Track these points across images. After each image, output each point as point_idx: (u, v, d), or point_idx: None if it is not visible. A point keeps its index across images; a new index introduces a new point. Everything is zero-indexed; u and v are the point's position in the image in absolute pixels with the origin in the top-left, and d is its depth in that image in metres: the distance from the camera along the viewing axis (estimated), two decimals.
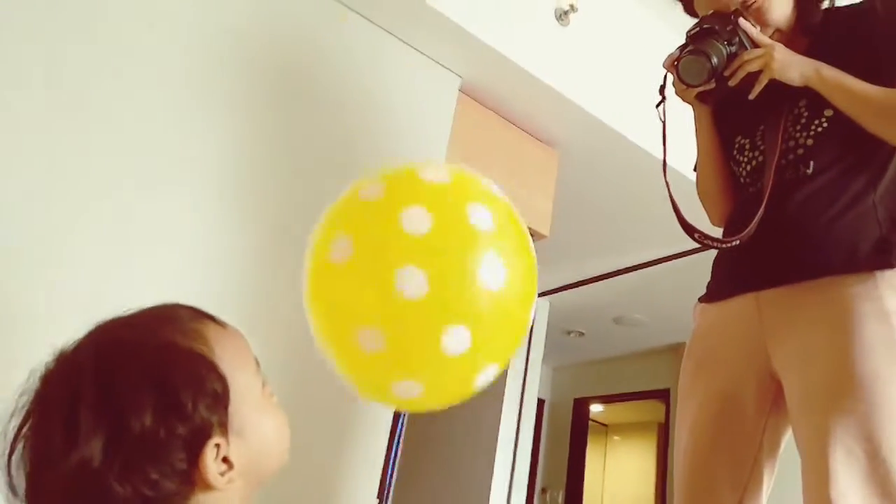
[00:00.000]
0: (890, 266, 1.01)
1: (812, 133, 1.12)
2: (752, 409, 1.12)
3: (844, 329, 0.99)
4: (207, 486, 0.57)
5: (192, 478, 0.56)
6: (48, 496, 0.54)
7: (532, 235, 2.38)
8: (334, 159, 1.66)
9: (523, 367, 3.71)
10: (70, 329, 0.61)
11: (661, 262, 3.21)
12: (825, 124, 1.11)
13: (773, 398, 1.12)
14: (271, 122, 1.57)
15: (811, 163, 1.10)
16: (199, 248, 1.42)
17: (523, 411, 3.67)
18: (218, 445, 0.57)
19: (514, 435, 3.60)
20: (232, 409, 0.59)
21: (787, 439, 1.14)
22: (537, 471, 5.01)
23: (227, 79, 1.52)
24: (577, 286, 3.69)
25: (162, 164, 1.40)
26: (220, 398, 0.58)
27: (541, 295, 3.87)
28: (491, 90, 2.14)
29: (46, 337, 0.60)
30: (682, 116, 1.34)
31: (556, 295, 3.84)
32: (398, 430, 4.08)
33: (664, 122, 1.27)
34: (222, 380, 0.59)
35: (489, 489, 3.41)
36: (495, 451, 3.48)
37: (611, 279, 3.50)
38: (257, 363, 0.65)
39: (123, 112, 1.37)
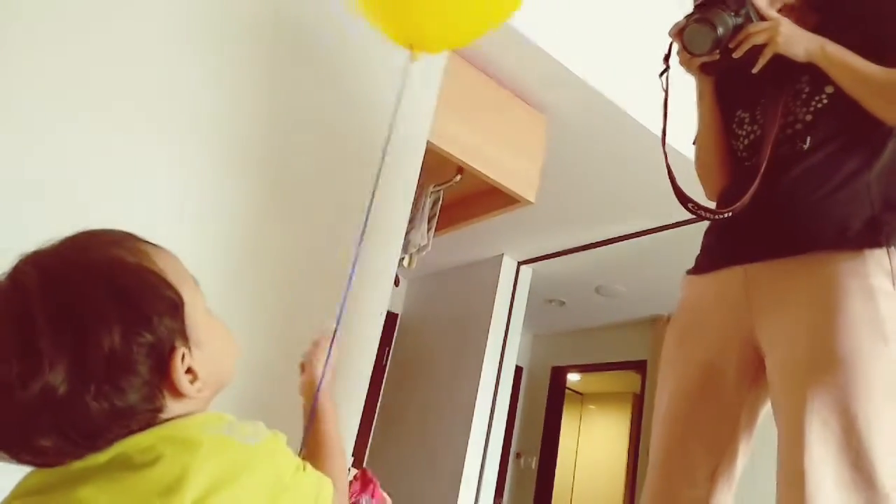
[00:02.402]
0: (879, 245, 1.01)
1: (812, 109, 1.11)
2: (732, 380, 1.13)
3: (829, 305, 1.00)
4: (179, 395, 0.58)
5: (162, 386, 0.57)
6: (5, 427, 0.52)
7: (518, 201, 2.39)
8: (321, 113, 1.62)
9: (503, 334, 3.74)
10: None
11: (644, 235, 3.21)
12: (825, 101, 1.10)
13: (755, 371, 1.12)
14: (256, 73, 1.53)
15: (808, 138, 1.10)
16: (185, 200, 1.39)
17: (501, 377, 3.70)
18: (183, 355, 0.58)
19: (491, 400, 3.63)
20: (188, 322, 0.59)
21: (765, 413, 1.15)
22: (512, 436, 5.09)
23: (212, 26, 1.47)
24: (560, 255, 3.70)
25: (146, 116, 1.36)
26: (177, 308, 0.58)
27: (524, 263, 3.88)
28: (481, 50, 2.09)
29: None
30: (678, 92, 1.31)
31: (538, 263, 3.85)
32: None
33: (666, 92, 1.24)
34: (176, 291, 0.59)
35: (465, 452, 3.45)
36: (472, 415, 3.52)
37: (593, 249, 3.51)
38: (195, 281, 0.65)
39: (109, 64, 1.32)
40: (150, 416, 0.56)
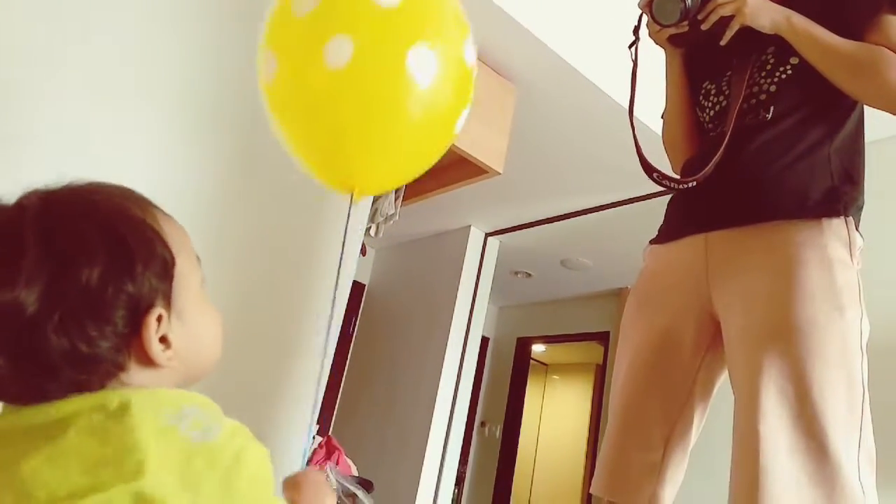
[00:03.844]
0: (836, 214, 1.04)
1: (776, 80, 1.12)
2: (689, 347, 1.15)
3: (787, 274, 1.02)
4: (147, 361, 0.56)
5: (130, 344, 0.55)
6: None
7: (486, 172, 2.38)
8: None
9: (469, 305, 3.76)
10: None
11: (610, 208, 3.24)
12: (789, 71, 1.11)
13: (711, 339, 1.15)
14: (229, 48, 1.49)
15: (771, 108, 1.11)
16: (156, 180, 1.36)
17: (467, 347, 3.73)
18: (160, 319, 0.56)
19: (457, 370, 3.66)
20: (175, 288, 0.58)
21: (721, 385, 1.18)
22: (478, 405, 5.16)
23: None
24: (526, 227, 3.72)
25: (120, 94, 1.33)
26: (168, 269, 0.57)
27: (491, 234, 3.89)
28: None
29: None
30: (647, 65, 1.31)
31: (505, 235, 3.86)
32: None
33: (635, 63, 1.24)
34: (171, 253, 0.58)
35: (430, 421, 3.49)
36: (438, 385, 3.54)
37: (560, 222, 3.53)
38: (198, 258, 0.64)
39: (81, 42, 1.28)
40: (108, 372, 0.54)
